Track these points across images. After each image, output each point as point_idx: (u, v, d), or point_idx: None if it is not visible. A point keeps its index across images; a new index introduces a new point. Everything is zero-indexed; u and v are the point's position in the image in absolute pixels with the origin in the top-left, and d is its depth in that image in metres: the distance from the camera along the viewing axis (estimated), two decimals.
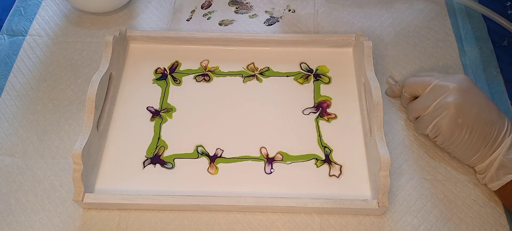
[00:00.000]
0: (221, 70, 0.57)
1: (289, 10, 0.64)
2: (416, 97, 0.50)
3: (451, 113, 0.45)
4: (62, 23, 0.62)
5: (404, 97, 0.52)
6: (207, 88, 0.55)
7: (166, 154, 0.50)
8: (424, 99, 0.48)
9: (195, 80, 0.56)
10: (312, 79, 0.56)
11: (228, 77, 0.56)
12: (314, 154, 0.50)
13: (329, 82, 0.56)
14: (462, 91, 0.46)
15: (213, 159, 0.50)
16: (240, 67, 0.57)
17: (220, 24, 0.62)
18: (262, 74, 0.57)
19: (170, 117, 0.53)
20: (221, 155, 0.50)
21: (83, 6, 0.61)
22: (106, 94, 0.52)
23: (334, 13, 0.63)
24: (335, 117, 0.53)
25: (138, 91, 0.55)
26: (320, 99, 0.54)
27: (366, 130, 0.50)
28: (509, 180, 0.44)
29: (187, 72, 0.57)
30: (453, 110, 0.45)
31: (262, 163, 0.49)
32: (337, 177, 0.48)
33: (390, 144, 0.51)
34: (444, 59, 0.58)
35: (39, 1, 0.64)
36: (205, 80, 0.56)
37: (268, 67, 0.57)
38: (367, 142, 0.49)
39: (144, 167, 0.49)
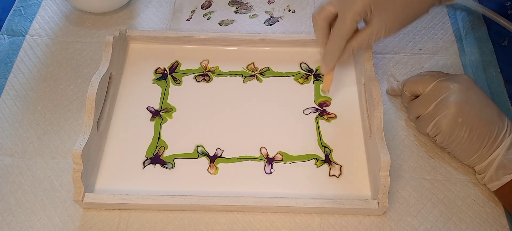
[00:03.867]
0: (221, 70, 0.57)
1: (289, 10, 0.64)
2: (417, 96, 0.50)
3: (451, 113, 0.45)
4: (62, 23, 0.62)
5: (405, 96, 0.52)
6: (207, 88, 0.55)
7: (166, 154, 0.50)
8: (425, 98, 0.48)
9: (195, 80, 0.56)
10: (312, 79, 0.56)
11: (228, 77, 0.56)
12: (314, 154, 0.50)
13: None
14: (463, 91, 0.46)
15: (213, 159, 0.50)
16: (240, 67, 0.57)
17: (220, 24, 0.62)
18: (262, 74, 0.57)
19: (170, 117, 0.53)
20: (221, 155, 0.50)
21: (83, 6, 0.61)
22: (106, 94, 0.52)
23: None
24: (335, 116, 0.53)
25: (138, 91, 0.55)
26: (320, 99, 0.54)
27: (366, 130, 0.50)
28: (508, 180, 0.44)
29: (187, 72, 0.57)
30: (453, 109, 0.45)
31: (262, 163, 0.49)
32: (337, 177, 0.48)
33: (390, 144, 0.51)
34: (444, 59, 0.58)
35: (39, 1, 0.64)
36: (205, 80, 0.56)
37: (268, 67, 0.57)
38: (367, 142, 0.49)
39: (144, 167, 0.49)
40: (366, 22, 0.47)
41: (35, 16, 0.63)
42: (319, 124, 0.52)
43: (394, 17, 0.46)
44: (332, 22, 0.48)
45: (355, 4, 0.45)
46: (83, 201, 0.45)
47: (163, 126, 0.52)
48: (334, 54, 0.48)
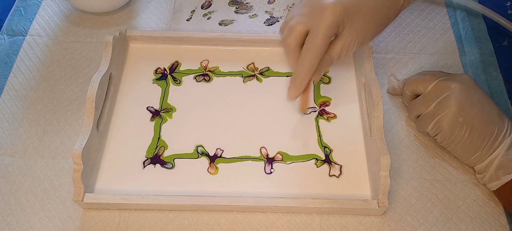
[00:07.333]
0: (221, 70, 0.57)
1: (289, 10, 0.64)
2: (417, 96, 0.50)
3: (452, 112, 0.45)
4: (62, 23, 0.62)
5: (405, 95, 0.52)
6: (207, 88, 0.55)
7: (166, 154, 0.50)
8: (425, 97, 0.48)
9: (195, 80, 0.56)
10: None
11: (228, 77, 0.56)
12: (314, 154, 0.50)
13: (329, 82, 0.56)
14: (464, 90, 0.46)
15: (213, 159, 0.50)
16: (240, 67, 0.57)
17: (220, 24, 0.62)
18: (262, 74, 0.57)
19: (170, 117, 0.53)
20: (221, 155, 0.50)
21: (83, 6, 0.61)
22: (106, 94, 0.52)
23: None
24: (335, 116, 0.53)
25: (138, 91, 0.55)
26: (320, 99, 0.54)
27: (366, 130, 0.50)
28: (508, 180, 0.44)
29: (187, 72, 0.57)
30: (454, 109, 0.45)
31: (262, 163, 0.49)
32: (337, 177, 0.48)
33: (390, 144, 0.51)
34: (444, 59, 0.58)
35: (39, 1, 0.64)
36: (205, 80, 0.56)
37: (268, 67, 0.57)
38: (367, 142, 0.49)
39: (144, 167, 0.49)
40: (337, 35, 0.44)
41: (35, 16, 0.63)
42: (319, 123, 0.52)
43: (366, 27, 0.44)
44: (304, 42, 0.44)
45: (326, 18, 0.41)
46: (83, 201, 0.45)
47: (163, 126, 0.52)
48: (307, 74, 0.44)
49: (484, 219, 0.46)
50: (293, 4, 0.65)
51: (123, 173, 0.49)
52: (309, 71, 0.44)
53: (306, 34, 0.43)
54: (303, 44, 0.44)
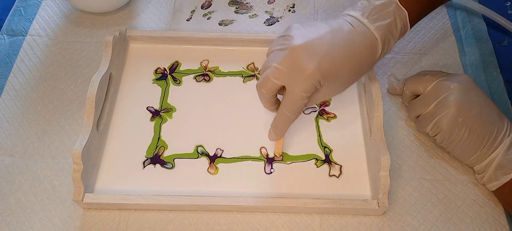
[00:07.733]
0: (221, 70, 0.57)
1: (289, 10, 0.64)
2: (417, 96, 0.50)
3: (451, 112, 0.45)
4: (62, 23, 0.62)
5: (405, 96, 0.52)
6: (207, 88, 0.55)
7: (166, 154, 0.50)
8: (425, 97, 0.48)
9: (195, 80, 0.56)
10: None
11: (228, 77, 0.56)
12: (314, 154, 0.50)
13: None
14: (464, 91, 0.46)
15: (213, 159, 0.50)
16: (240, 67, 0.57)
17: (220, 24, 0.62)
18: None
19: (170, 116, 0.53)
20: (221, 155, 0.50)
21: (83, 6, 0.61)
22: (106, 94, 0.52)
23: (334, 13, 0.63)
24: (335, 116, 0.53)
25: (138, 91, 0.55)
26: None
27: (366, 130, 0.50)
28: (507, 180, 0.44)
29: (187, 72, 0.57)
30: (453, 109, 0.45)
31: (262, 163, 0.49)
32: (337, 177, 0.48)
33: (390, 144, 0.51)
34: (444, 59, 0.58)
35: (39, 1, 0.64)
36: (205, 80, 0.56)
37: None
38: (367, 142, 0.49)
39: (144, 167, 0.49)
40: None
41: (35, 16, 0.63)
42: (319, 123, 0.52)
43: (343, 83, 0.45)
44: (278, 91, 0.45)
45: (304, 83, 0.42)
46: (83, 201, 0.45)
47: (163, 126, 0.52)
48: (285, 126, 0.47)
49: (484, 219, 0.46)
50: (293, 4, 0.65)
51: (123, 173, 0.49)
52: (287, 123, 0.47)
53: (281, 87, 0.44)
54: (276, 94, 0.46)
